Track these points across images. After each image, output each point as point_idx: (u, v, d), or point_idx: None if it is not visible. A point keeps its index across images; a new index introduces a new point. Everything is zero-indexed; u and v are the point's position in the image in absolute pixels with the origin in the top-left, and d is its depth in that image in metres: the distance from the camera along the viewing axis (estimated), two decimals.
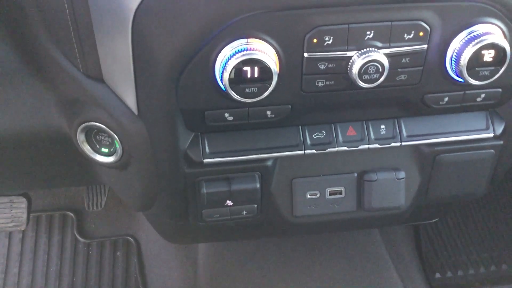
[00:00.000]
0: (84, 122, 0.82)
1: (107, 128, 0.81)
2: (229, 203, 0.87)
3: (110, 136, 0.83)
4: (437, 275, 1.56)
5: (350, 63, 0.73)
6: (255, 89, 0.71)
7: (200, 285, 1.41)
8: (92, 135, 0.85)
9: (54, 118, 0.86)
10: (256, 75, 0.70)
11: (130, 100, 0.78)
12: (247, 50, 0.69)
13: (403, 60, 0.74)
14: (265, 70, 0.70)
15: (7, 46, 0.81)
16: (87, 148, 0.85)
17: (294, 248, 1.40)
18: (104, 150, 0.86)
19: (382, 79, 0.73)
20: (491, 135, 0.89)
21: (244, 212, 0.89)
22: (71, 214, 1.72)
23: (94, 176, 1.00)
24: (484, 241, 1.61)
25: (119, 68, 0.75)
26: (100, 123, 0.81)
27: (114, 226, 1.72)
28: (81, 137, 0.84)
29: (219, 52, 0.70)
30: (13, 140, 0.89)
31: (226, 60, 0.69)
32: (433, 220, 1.15)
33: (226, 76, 0.70)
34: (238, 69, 0.69)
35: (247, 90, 0.71)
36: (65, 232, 1.70)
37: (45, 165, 0.98)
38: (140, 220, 1.71)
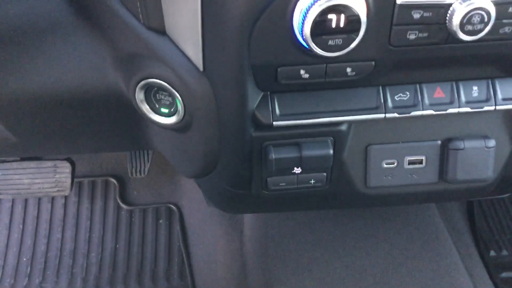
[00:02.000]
0: (144, 79, 0.76)
1: (168, 86, 0.75)
2: (297, 170, 0.81)
3: (171, 94, 0.76)
4: (492, 253, 1.49)
5: (450, 12, 0.64)
6: (340, 41, 0.63)
7: (247, 258, 1.37)
8: (151, 94, 0.79)
9: (109, 75, 0.80)
10: (341, 25, 0.62)
11: (195, 55, 0.71)
12: None
13: (510, 9, 0.65)
14: (352, 19, 0.62)
15: None
16: (146, 108, 0.79)
17: (348, 221, 1.34)
18: (164, 110, 0.80)
19: (485, 31, 0.64)
20: None
21: (312, 181, 0.82)
22: (113, 180, 1.70)
23: (145, 140, 0.94)
24: None
25: (185, 19, 0.68)
26: (161, 79, 0.75)
27: (156, 194, 1.70)
28: (140, 96, 0.78)
29: None
30: (63, 98, 0.83)
31: (308, 7, 0.62)
32: None
33: (307, 26, 0.62)
34: (321, 18, 0.61)
35: (330, 43, 0.63)
36: (107, 198, 1.68)
37: (94, 127, 0.93)
38: (183, 188, 1.68)
